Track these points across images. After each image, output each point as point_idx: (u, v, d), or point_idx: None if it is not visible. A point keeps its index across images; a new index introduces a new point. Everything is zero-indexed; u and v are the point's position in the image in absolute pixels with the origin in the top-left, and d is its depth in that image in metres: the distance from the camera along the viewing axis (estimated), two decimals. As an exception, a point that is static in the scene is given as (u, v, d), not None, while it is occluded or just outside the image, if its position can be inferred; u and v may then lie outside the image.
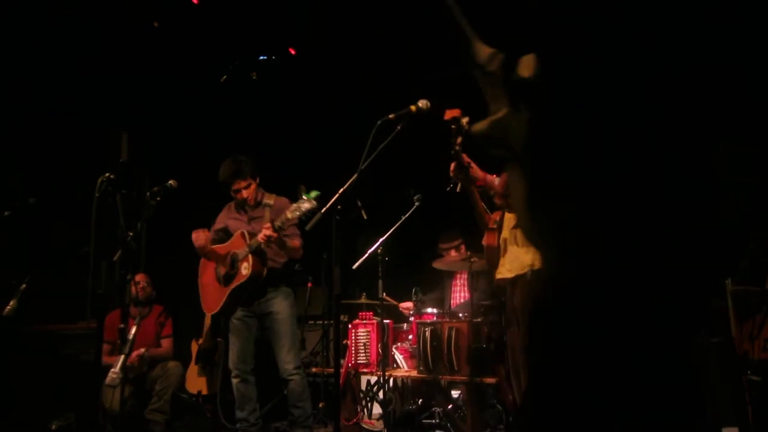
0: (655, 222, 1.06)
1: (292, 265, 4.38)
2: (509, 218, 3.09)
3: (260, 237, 3.95)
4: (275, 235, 3.93)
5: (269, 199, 4.31)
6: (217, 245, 4.32)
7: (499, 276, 3.13)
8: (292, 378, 4.08)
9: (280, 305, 4.15)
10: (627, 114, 1.06)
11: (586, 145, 1.07)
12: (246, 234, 4.13)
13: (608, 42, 1.08)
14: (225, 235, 4.36)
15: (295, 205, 3.80)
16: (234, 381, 4.19)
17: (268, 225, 3.94)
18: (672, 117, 1.06)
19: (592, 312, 1.07)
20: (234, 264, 4.13)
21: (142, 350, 5.01)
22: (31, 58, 5.51)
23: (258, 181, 4.29)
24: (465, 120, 2.81)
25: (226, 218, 4.40)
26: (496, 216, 3.20)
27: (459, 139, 2.80)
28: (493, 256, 3.18)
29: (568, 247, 1.10)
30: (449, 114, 2.83)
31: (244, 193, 4.22)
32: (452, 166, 2.89)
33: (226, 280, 4.16)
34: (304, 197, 3.75)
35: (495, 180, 2.92)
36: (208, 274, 4.33)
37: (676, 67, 1.07)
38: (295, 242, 4.19)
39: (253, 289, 4.11)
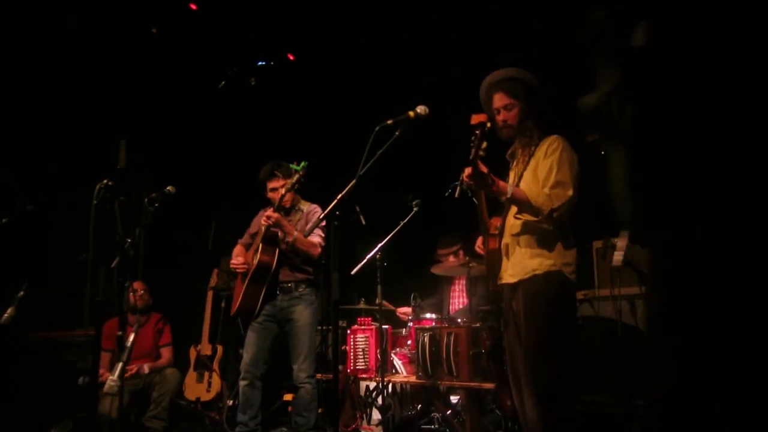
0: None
1: (317, 267, 4.38)
2: (511, 224, 3.07)
3: (262, 219, 4.05)
4: (275, 215, 4.01)
5: (303, 206, 4.40)
6: (248, 252, 4.41)
7: (501, 281, 3.11)
8: (303, 386, 4.13)
9: (302, 313, 4.21)
10: (736, 101, 1.04)
11: (693, 125, 1.06)
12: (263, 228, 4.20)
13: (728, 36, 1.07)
14: None
15: (289, 180, 4.00)
16: (241, 383, 4.20)
17: (271, 209, 4.06)
18: None
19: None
20: (254, 256, 4.22)
21: (145, 368, 5.00)
22: (31, 65, 5.51)
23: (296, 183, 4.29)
24: (489, 125, 2.78)
25: (259, 221, 4.42)
26: (497, 222, 3.19)
27: (484, 144, 2.75)
28: (494, 262, 3.17)
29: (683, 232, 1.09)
30: (476, 119, 2.79)
31: (274, 194, 4.28)
32: (467, 170, 2.84)
33: (244, 276, 4.24)
34: (292, 168, 3.98)
35: (507, 187, 2.89)
36: (239, 278, 4.38)
37: None
38: (307, 239, 4.18)
39: (271, 279, 4.13)
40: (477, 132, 2.74)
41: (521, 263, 2.98)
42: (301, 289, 4.27)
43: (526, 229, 3.00)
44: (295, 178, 3.93)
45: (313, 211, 4.36)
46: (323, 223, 4.03)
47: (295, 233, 4.11)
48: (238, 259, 4.29)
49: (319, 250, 4.27)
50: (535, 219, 2.90)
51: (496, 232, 3.16)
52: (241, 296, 4.17)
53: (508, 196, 2.87)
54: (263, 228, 4.10)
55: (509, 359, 3.08)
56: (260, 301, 4.15)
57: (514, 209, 3.04)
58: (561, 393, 2.85)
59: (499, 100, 3.10)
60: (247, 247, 4.46)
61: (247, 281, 4.16)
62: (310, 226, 4.16)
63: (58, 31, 5.35)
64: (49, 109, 5.76)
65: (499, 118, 3.09)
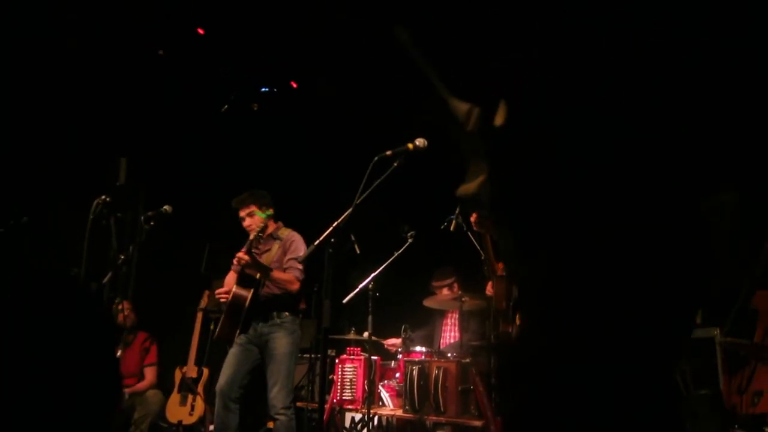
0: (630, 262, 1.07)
1: (298, 295, 4.34)
2: None
3: (234, 260, 4.06)
4: (246, 257, 3.99)
5: (282, 233, 4.38)
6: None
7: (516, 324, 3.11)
8: (278, 417, 4.03)
9: (280, 341, 4.13)
10: (599, 163, 1.08)
11: (557, 196, 1.09)
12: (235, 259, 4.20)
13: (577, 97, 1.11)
14: None
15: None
16: (216, 405, 4.12)
17: (243, 249, 4.04)
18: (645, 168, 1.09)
19: (573, 358, 1.08)
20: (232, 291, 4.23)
21: (124, 392, 4.92)
22: (31, 81, 5.56)
23: (269, 213, 4.29)
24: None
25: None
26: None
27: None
28: (503, 304, 3.16)
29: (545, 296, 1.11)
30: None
31: (246, 222, 4.29)
32: (473, 216, 2.93)
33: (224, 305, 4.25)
34: (257, 215, 4.08)
35: None
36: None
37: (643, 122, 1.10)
38: (284, 275, 4.17)
39: (246, 315, 4.12)
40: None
41: None
42: (282, 317, 4.20)
43: None
44: (261, 225, 4.02)
45: (291, 240, 4.31)
46: (302, 254, 4.02)
47: (270, 273, 4.10)
48: (223, 289, 4.27)
49: (297, 285, 4.21)
50: None
51: (504, 274, 3.17)
52: (219, 327, 4.18)
53: None
54: (237, 268, 4.10)
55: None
56: (236, 334, 4.16)
57: None
58: None
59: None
60: (241, 275, 4.44)
61: (224, 313, 4.16)
62: (299, 255, 4.13)
63: (62, 49, 5.41)
64: (49, 123, 5.80)
65: None
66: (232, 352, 4.17)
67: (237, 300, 4.09)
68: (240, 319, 4.12)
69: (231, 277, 4.42)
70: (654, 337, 1.11)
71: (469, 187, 1.19)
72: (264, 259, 4.23)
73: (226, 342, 4.20)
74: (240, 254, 4.02)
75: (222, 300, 4.23)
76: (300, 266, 4.20)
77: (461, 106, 1.19)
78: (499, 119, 1.12)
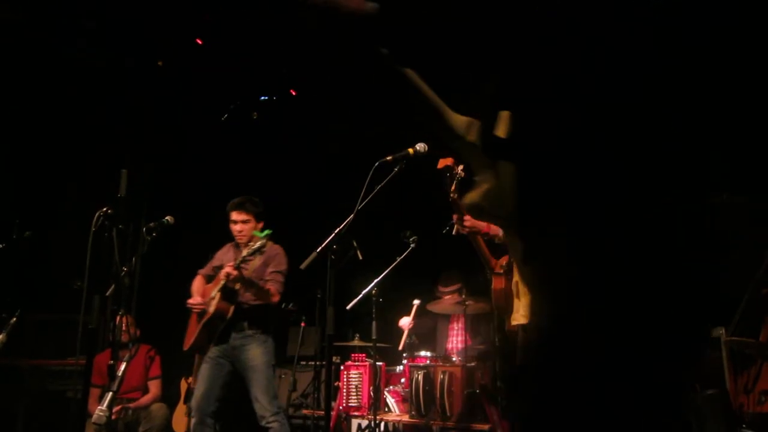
0: (646, 271, 1.07)
1: (272, 310, 4.26)
2: None
3: (222, 274, 3.98)
4: (235, 273, 3.93)
5: (265, 246, 4.32)
6: (208, 285, 4.34)
7: (514, 322, 3.10)
8: (271, 425, 3.94)
9: (254, 352, 4.06)
10: (612, 161, 1.08)
11: (574, 198, 1.09)
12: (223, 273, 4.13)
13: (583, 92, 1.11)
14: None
15: (250, 242, 3.94)
16: (193, 422, 4.04)
17: (231, 263, 3.97)
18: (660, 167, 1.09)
19: (585, 363, 1.07)
20: (210, 301, 4.14)
21: (129, 407, 4.90)
22: (33, 92, 5.58)
23: (268, 232, 4.22)
24: (459, 168, 2.86)
25: (223, 255, 4.39)
26: (503, 261, 3.21)
27: (454, 187, 2.84)
28: (503, 301, 3.16)
29: (561, 300, 1.11)
30: (442, 163, 2.87)
31: (238, 227, 4.22)
32: (454, 217, 2.96)
33: (200, 316, 4.16)
34: (255, 235, 3.92)
35: (499, 229, 2.95)
36: (194, 314, 4.29)
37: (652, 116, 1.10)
38: (269, 286, 4.14)
39: (224, 327, 4.08)
40: (447, 175, 2.83)
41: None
42: (253, 329, 4.13)
43: None
44: (258, 244, 3.87)
45: (276, 253, 4.26)
46: (283, 268, 3.99)
47: (255, 287, 4.08)
48: (196, 299, 4.18)
49: (277, 298, 4.17)
50: None
51: (501, 270, 3.18)
52: (195, 337, 4.11)
53: (500, 236, 2.94)
54: (222, 282, 4.01)
55: None
56: (212, 344, 4.13)
57: None
58: None
59: None
60: (208, 278, 4.36)
61: (202, 324, 4.08)
62: (283, 269, 4.15)
63: (62, 60, 5.43)
64: (51, 136, 5.82)
65: None
66: (204, 368, 4.10)
67: (220, 313, 4.04)
68: (218, 331, 4.09)
69: (199, 284, 4.35)
70: (681, 344, 1.11)
71: (473, 197, 1.18)
72: (246, 268, 4.17)
73: (198, 352, 4.17)
74: (229, 269, 3.92)
75: (196, 310, 4.15)
76: (282, 280, 4.17)
77: (460, 120, 1.18)
78: (502, 130, 1.12)
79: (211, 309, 4.05)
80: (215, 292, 4.09)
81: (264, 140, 6.52)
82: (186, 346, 4.23)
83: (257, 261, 4.19)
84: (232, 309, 4.07)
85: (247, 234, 4.21)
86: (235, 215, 4.23)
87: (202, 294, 4.26)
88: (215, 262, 4.42)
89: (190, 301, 4.19)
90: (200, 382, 4.09)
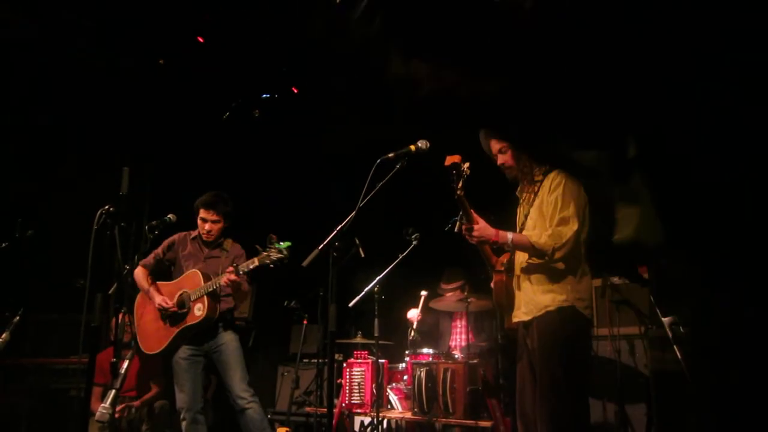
0: None
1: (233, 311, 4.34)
2: (520, 261, 3.08)
3: (224, 280, 3.94)
4: (239, 279, 3.96)
5: (227, 244, 4.33)
6: (162, 282, 4.30)
7: (515, 319, 3.10)
8: (250, 406, 3.96)
9: (228, 337, 4.12)
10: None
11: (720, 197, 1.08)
12: (202, 274, 4.09)
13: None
14: (173, 266, 4.34)
15: (265, 253, 3.83)
16: (183, 424, 4.02)
17: (231, 269, 3.95)
18: None
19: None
20: (184, 304, 4.09)
21: (132, 405, 4.90)
22: (34, 90, 5.58)
23: (227, 225, 4.28)
24: (466, 165, 2.84)
25: (180, 248, 4.33)
26: (504, 258, 3.21)
27: (460, 185, 2.83)
28: (503, 298, 3.17)
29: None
30: (450, 160, 2.86)
31: (208, 226, 4.21)
32: (463, 228, 2.98)
33: (173, 319, 4.10)
34: (275, 246, 3.80)
35: (508, 236, 2.96)
36: (149, 312, 4.23)
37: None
38: (245, 287, 4.20)
39: (204, 330, 4.08)
40: (453, 172, 2.82)
41: (534, 300, 2.98)
42: (223, 323, 4.17)
43: (535, 264, 3.01)
44: (276, 257, 3.79)
45: (242, 254, 4.29)
46: (251, 268, 3.93)
47: (241, 289, 4.14)
48: (166, 302, 4.10)
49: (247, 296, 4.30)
50: (542, 260, 2.94)
51: (502, 268, 3.18)
52: (168, 342, 4.07)
53: (509, 244, 2.96)
54: (212, 286, 3.99)
55: (519, 396, 3.04)
56: (185, 341, 4.11)
57: None
58: (576, 430, 2.82)
59: (494, 145, 3.20)
60: (150, 270, 4.29)
61: (179, 330, 4.06)
62: (249, 263, 4.06)
63: (64, 59, 5.43)
64: (53, 134, 5.82)
65: (499, 162, 3.18)
66: (183, 368, 4.07)
67: (208, 321, 4.02)
68: (195, 333, 4.09)
69: (144, 277, 4.27)
70: None
71: (625, 235, 1.19)
72: (211, 266, 4.19)
73: (170, 355, 4.12)
74: (232, 277, 3.91)
75: (172, 311, 4.09)
76: (248, 279, 4.19)
77: (586, 155, 1.19)
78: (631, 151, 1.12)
79: (200, 314, 4.01)
80: (196, 296, 4.03)
81: (266, 137, 6.51)
82: (152, 350, 4.15)
83: (225, 261, 4.22)
84: (218, 312, 4.08)
85: (215, 234, 4.24)
86: (205, 214, 4.21)
87: (168, 294, 4.18)
88: (169, 254, 4.34)
89: (163, 303, 4.10)
90: (183, 382, 4.07)
